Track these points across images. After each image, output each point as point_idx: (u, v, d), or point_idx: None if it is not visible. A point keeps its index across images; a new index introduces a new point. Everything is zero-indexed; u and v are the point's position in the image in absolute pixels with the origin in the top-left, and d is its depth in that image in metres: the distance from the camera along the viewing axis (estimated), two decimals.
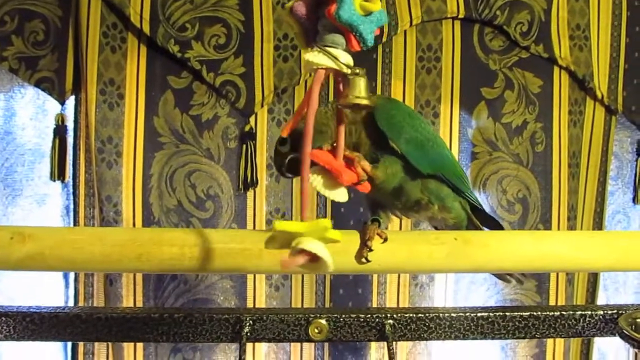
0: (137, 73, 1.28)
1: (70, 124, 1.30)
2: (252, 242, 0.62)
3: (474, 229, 0.80)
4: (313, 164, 0.63)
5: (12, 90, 1.31)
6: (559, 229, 1.38)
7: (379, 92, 1.32)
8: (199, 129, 1.29)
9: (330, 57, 0.59)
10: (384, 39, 1.30)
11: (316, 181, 0.64)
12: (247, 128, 1.30)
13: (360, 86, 0.61)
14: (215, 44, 1.27)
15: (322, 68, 0.59)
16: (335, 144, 0.66)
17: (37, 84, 1.27)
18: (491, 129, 1.36)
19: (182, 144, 1.29)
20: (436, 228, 0.82)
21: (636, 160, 1.45)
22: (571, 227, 1.39)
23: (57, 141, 1.29)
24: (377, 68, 1.32)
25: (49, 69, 1.27)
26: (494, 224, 0.85)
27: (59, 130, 1.29)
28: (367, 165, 0.69)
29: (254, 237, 0.62)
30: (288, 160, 0.71)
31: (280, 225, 0.55)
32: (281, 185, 1.32)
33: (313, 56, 0.59)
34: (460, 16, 1.32)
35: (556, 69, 1.38)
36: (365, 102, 0.61)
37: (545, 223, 1.37)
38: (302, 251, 0.54)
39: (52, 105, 1.30)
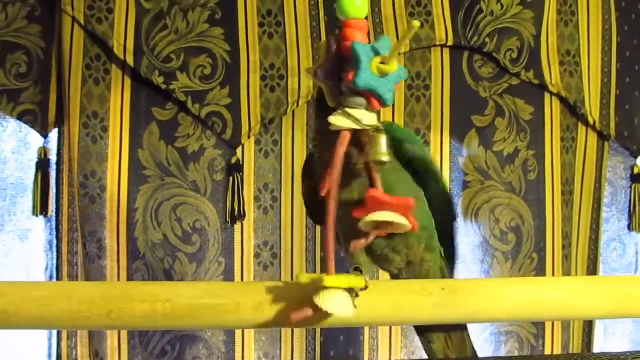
0: (121, 105, 1.25)
1: (53, 158, 1.28)
2: (227, 296, 0.59)
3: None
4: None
5: None
6: (553, 257, 1.35)
7: None
8: (184, 161, 1.26)
9: (353, 119, 0.61)
10: None
11: None
12: (233, 160, 1.27)
13: (381, 143, 0.63)
14: (201, 75, 1.25)
15: (346, 129, 0.62)
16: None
17: (20, 117, 1.24)
18: (482, 158, 1.34)
19: (167, 177, 1.26)
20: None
21: (630, 187, 1.42)
22: (566, 256, 1.36)
23: (39, 175, 1.26)
24: None
25: (31, 102, 1.24)
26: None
27: (42, 164, 1.26)
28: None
29: (229, 290, 0.60)
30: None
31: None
32: (269, 218, 1.29)
33: (336, 119, 0.61)
34: (449, 44, 1.31)
35: (547, 96, 1.36)
36: (386, 159, 0.63)
37: (540, 252, 1.35)
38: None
39: (35, 138, 1.27)
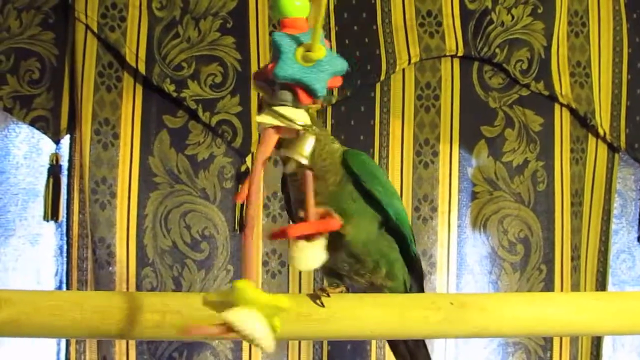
0: (132, 112, 1.26)
1: (65, 164, 1.29)
2: None
3: None
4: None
5: (6, 128, 1.29)
6: (562, 269, 1.34)
7: (377, 130, 1.31)
8: (194, 169, 1.27)
9: (277, 116, 0.56)
10: (382, 77, 1.29)
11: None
12: (243, 168, 1.28)
13: (305, 143, 0.60)
14: (212, 83, 1.26)
15: (270, 127, 0.57)
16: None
17: (32, 123, 1.26)
18: (491, 168, 1.34)
19: (177, 184, 1.27)
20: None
21: None
22: (575, 268, 1.36)
23: (51, 181, 1.27)
24: (375, 107, 1.31)
25: (44, 108, 1.26)
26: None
27: (53, 170, 1.27)
28: (338, 219, 0.68)
29: None
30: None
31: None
32: (277, 226, 1.30)
33: (262, 118, 0.57)
34: (459, 54, 1.31)
35: (557, 107, 1.36)
36: (304, 161, 0.60)
37: (548, 263, 1.34)
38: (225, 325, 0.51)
39: (47, 144, 1.28)
